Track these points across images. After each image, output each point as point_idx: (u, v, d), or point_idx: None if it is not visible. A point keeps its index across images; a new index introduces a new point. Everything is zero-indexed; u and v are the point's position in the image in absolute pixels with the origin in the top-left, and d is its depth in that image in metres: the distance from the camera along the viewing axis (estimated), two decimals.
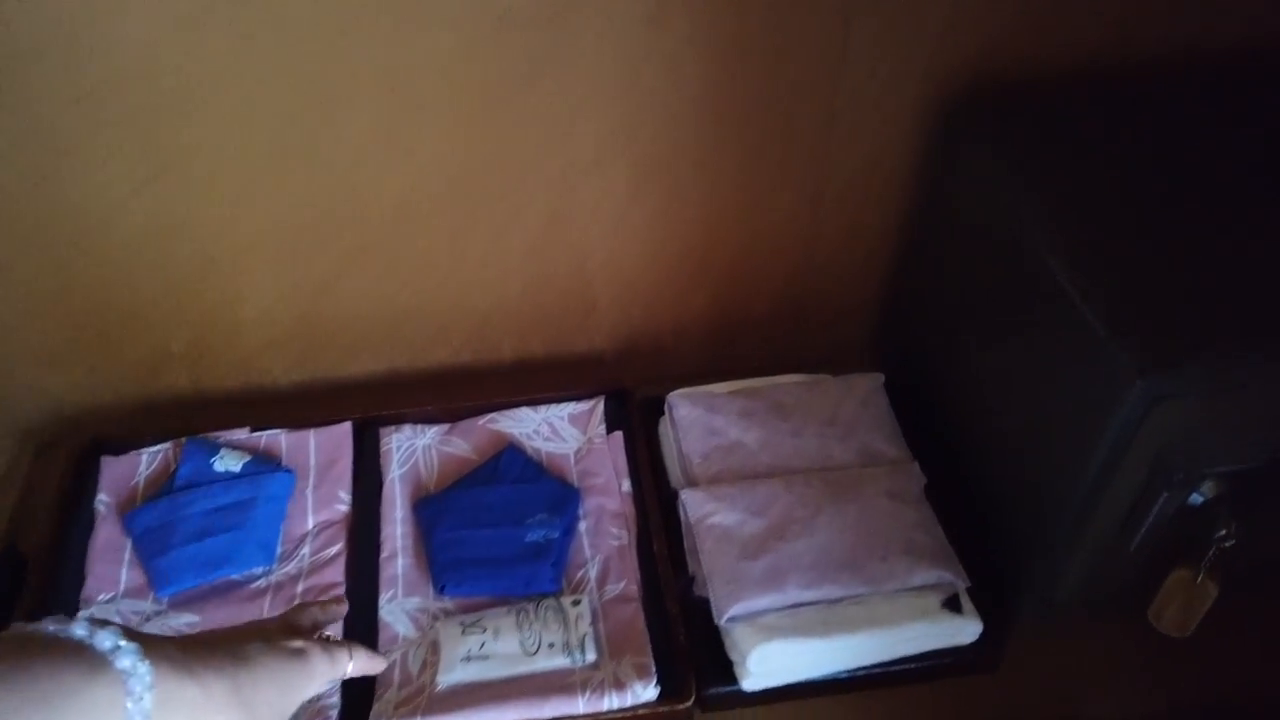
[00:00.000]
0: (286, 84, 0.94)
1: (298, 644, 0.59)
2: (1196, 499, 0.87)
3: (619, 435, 1.17)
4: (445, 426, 1.19)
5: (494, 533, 1.05)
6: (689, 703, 0.93)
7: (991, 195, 0.97)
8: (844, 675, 0.98)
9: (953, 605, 0.99)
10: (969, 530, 1.05)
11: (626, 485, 1.13)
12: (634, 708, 0.92)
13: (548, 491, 1.10)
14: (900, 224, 1.20)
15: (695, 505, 1.05)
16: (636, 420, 1.19)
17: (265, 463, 1.11)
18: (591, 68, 1.00)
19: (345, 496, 1.10)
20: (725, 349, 1.32)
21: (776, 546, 1.00)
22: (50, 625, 0.45)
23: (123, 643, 0.45)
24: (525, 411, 1.20)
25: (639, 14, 0.96)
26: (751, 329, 1.32)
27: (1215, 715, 1.02)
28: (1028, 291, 0.90)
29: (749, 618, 0.96)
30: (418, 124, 1.00)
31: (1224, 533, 0.87)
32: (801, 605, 0.98)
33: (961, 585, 1.00)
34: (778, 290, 1.28)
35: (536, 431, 1.19)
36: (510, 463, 1.13)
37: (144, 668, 0.45)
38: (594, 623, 0.98)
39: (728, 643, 0.97)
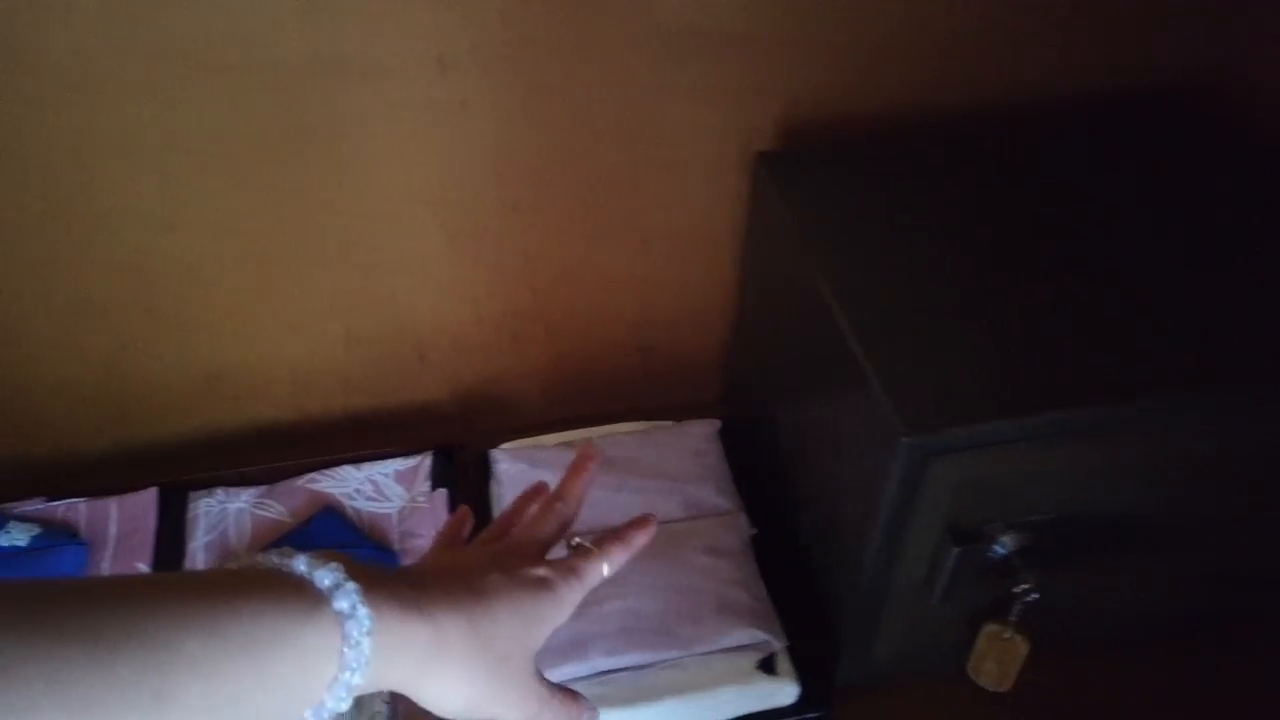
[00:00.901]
0: (66, 145, 0.89)
1: (541, 571, 0.50)
2: (998, 551, 0.84)
3: (443, 493, 1.12)
4: (262, 489, 1.13)
5: None
6: None
7: (791, 249, 0.95)
8: None
9: (768, 666, 0.96)
10: (793, 587, 1.02)
11: None
12: None
13: (362, 559, 1.04)
14: (737, 276, 1.17)
15: None
16: (462, 477, 1.14)
17: (58, 535, 1.05)
18: (385, 117, 0.96)
19: (143, 569, 1.04)
20: (571, 401, 1.28)
21: (583, 611, 0.93)
22: (274, 558, 0.40)
23: (345, 581, 0.40)
24: (348, 470, 1.15)
25: (430, 60, 0.93)
26: (597, 380, 1.28)
27: None
28: (824, 347, 0.87)
29: None
30: (204, 182, 0.96)
31: (1025, 586, 0.84)
32: (608, 673, 0.93)
33: (778, 645, 0.97)
34: (619, 340, 1.25)
35: (359, 491, 1.14)
36: (323, 526, 1.08)
37: (364, 611, 0.39)
38: (389, 701, 0.93)
39: None
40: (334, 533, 1.08)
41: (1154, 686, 1.01)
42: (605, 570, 0.54)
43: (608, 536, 0.55)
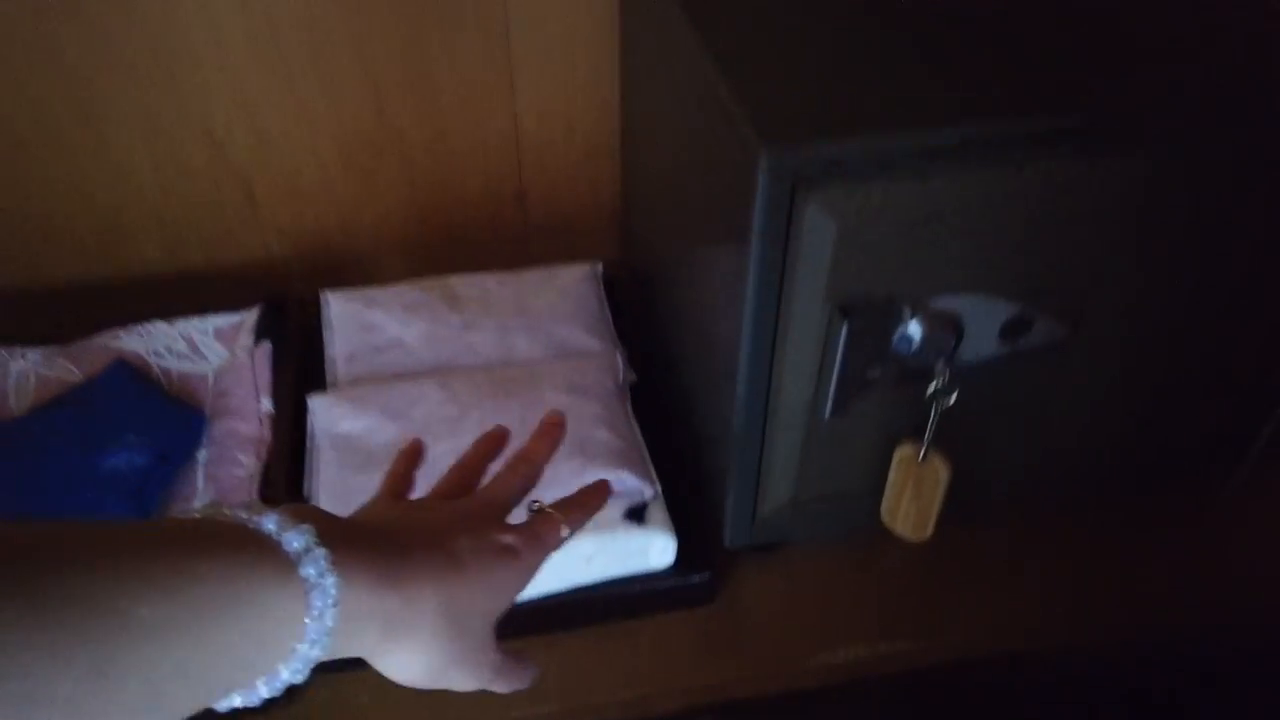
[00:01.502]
0: None
1: (509, 539, 0.47)
2: (901, 342, 0.66)
3: (266, 347, 0.94)
4: (54, 348, 0.94)
5: (59, 461, 0.81)
6: None
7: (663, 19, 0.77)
8: None
9: (637, 517, 0.78)
10: (674, 440, 0.84)
11: (267, 405, 0.90)
12: None
13: (146, 411, 0.86)
14: (619, 99, 1.00)
15: (322, 412, 0.82)
16: (295, 331, 0.96)
17: None
18: None
19: None
20: (439, 262, 1.09)
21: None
22: (242, 512, 0.36)
23: (315, 546, 0.36)
24: (159, 326, 0.97)
25: None
26: (468, 235, 1.10)
27: (965, 658, 0.81)
28: (693, 109, 0.70)
29: None
30: None
31: (939, 384, 0.67)
32: None
33: (649, 492, 0.79)
34: (490, 179, 1.07)
35: (170, 349, 0.96)
36: (112, 381, 0.89)
37: (331, 580, 0.36)
38: None
39: None
40: (124, 388, 0.89)
41: (1081, 550, 0.84)
42: (565, 534, 0.51)
43: (567, 501, 0.53)
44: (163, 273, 1.05)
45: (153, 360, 0.95)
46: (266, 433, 0.88)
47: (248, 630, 0.34)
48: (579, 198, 1.10)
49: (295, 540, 0.36)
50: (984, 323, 0.67)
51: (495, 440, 0.57)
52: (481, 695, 0.67)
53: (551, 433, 0.56)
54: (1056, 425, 0.78)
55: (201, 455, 0.87)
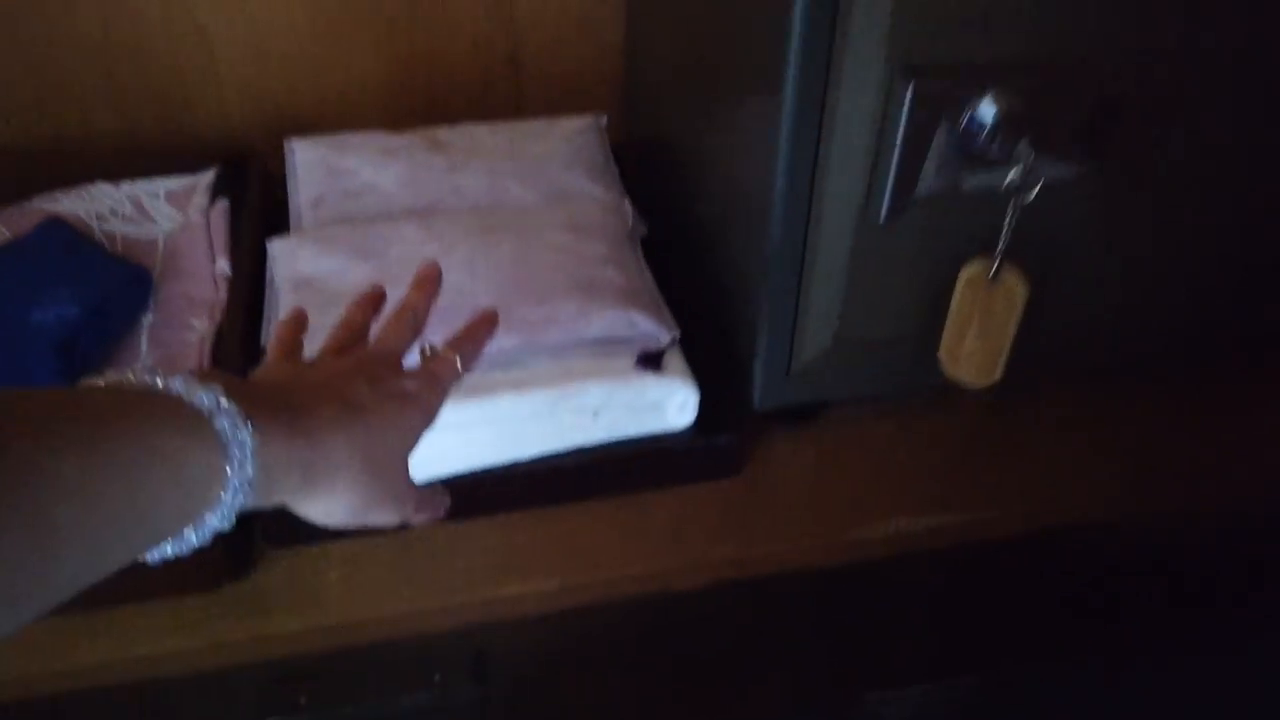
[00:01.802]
0: None
1: (406, 384, 0.49)
2: (975, 127, 0.55)
3: (223, 205, 0.83)
4: None
5: None
6: None
7: None
8: (496, 472, 0.65)
9: (652, 364, 0.66)
10: (697, 301, 0.73)
11: (223, 266, 0.78)
12: None
13: (81, 265, 0.75)
14: None
15: (283, 257, 0.71)
16: (258, 191, 0.84)
17: None
18: None
19: None
20: (418, 126, 0.98)
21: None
22: (148, 376, 0.37)
23: (225, 402, 0.37)
24: (102, 188, 0.85)
25: None
26: (451, 98, 0.98)
27: (1034, 526, 0.70)
28: None
29: None
30: None
31: (1018, 176, 0.55)
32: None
33: (665, 337, 0.67)
34: (480, 39, 0.95)
35: (115, 211, 0.84)
36: (44, 237, 0.78)
37: (245, 433, 0.37)
38: None
39: None
40: (56, 244, 0.77)
41: (1157, 418, 0.73)
42: (460, 368, 0.52)
43: (457, 338, 0.54)
44: (112, 137, 0.93)
45: (95, 225, 0.83)
46: (222, 295, 0.77)
47: (172, 482, 0.35)
48: (578, 58, 0.98)
49: (205, 398, 0.37)
50: (1066, 111, 0.56)
51: (375, 298, 0.56)
52: (470, 570, 0.57)
53: (426, 284, 0.55)
54: (1142, 264, 0.66)
55: (146, 319, 0.76)
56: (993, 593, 0.69)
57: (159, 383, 0.37)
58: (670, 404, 0.66)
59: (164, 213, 0.85)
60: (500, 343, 0.63)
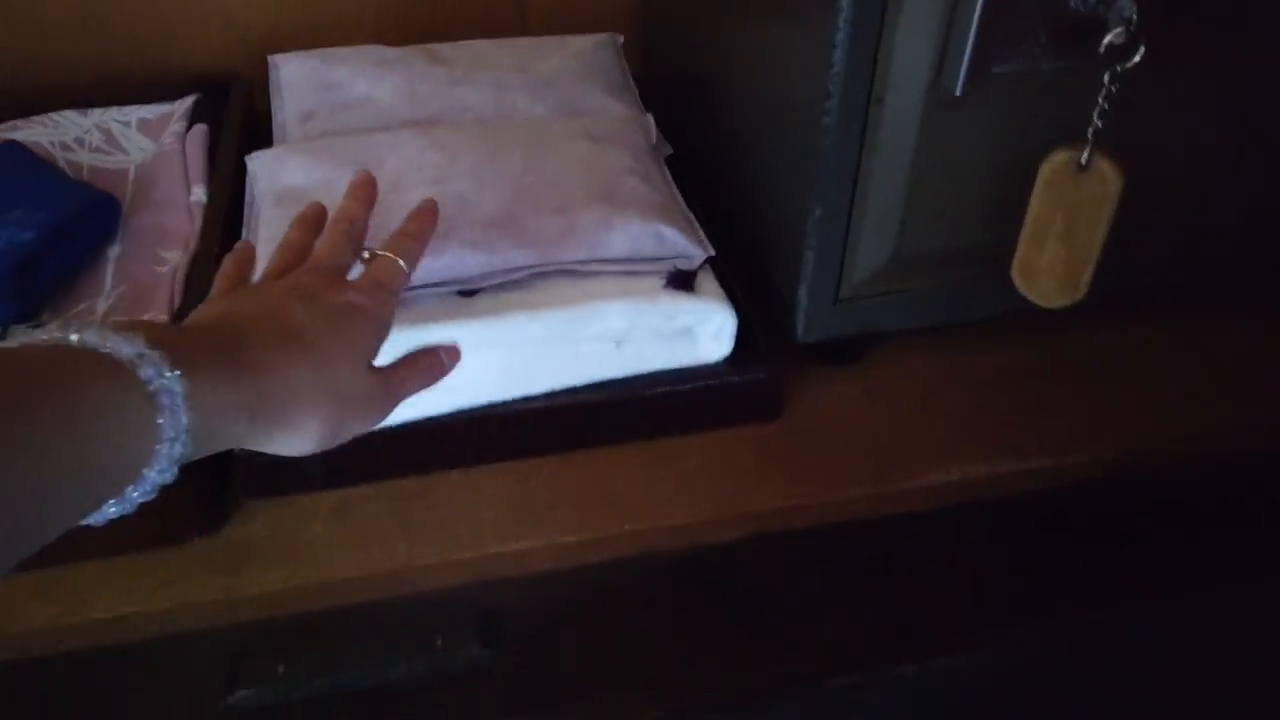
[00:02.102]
0: None
1: (349, 296, 0.46)
2: None
3: (200, 130, 0.75)
4: None
5: None
6: None
7: None
8: (504, 408, 0.56)
9: (682, 285, 0.58)
10: (729, 226, 0.65)
11: (199, 195, 0.70)
12: None
13: (36, 187, 0.67)
14: None
15: (264, 171, 0.62)
16: (239, 118, 0.76)
17: None
18: None
19: None
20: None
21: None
22: (56, 332, 0.34)
23: (146, 350, 0.35)
24: (69, 116, 0.77)
25: None
26: (452, 22, 0.90)
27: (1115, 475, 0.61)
28: None
29: None
30: None
31: (1117, 36, 0.47)
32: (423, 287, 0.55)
33: (697, 254, 0.59)
34: None
35: (81, 140, 0.76)
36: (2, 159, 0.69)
37: (172, 376, 0.35)
38: None
39: None
40: (11, 165, 0.69)
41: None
42: (403, 267, 0.49)
43: (395, 236, 0.50)
44: (84, 66, 0.85)
45: (59, 154, 0.75)
46: (198, 225, 0.69)
47: (99, 440, 0.33)
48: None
49: (124, 347, 0.35)
50: None
51: (316, 216, 0.52)
52: (475, 522, 0.55)
53: (362, 190, 0.52)
54: (1251, 160, 0.58)
55: (113, 251, 0.68)
56: (1072, 550, 0.60)
57: (73, 338, 0.34)
58: (704, 331, 0.58)
59: (136, 142, 0.77)
60: (509, 257, 0.55)
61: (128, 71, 0.87)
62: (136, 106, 0.79)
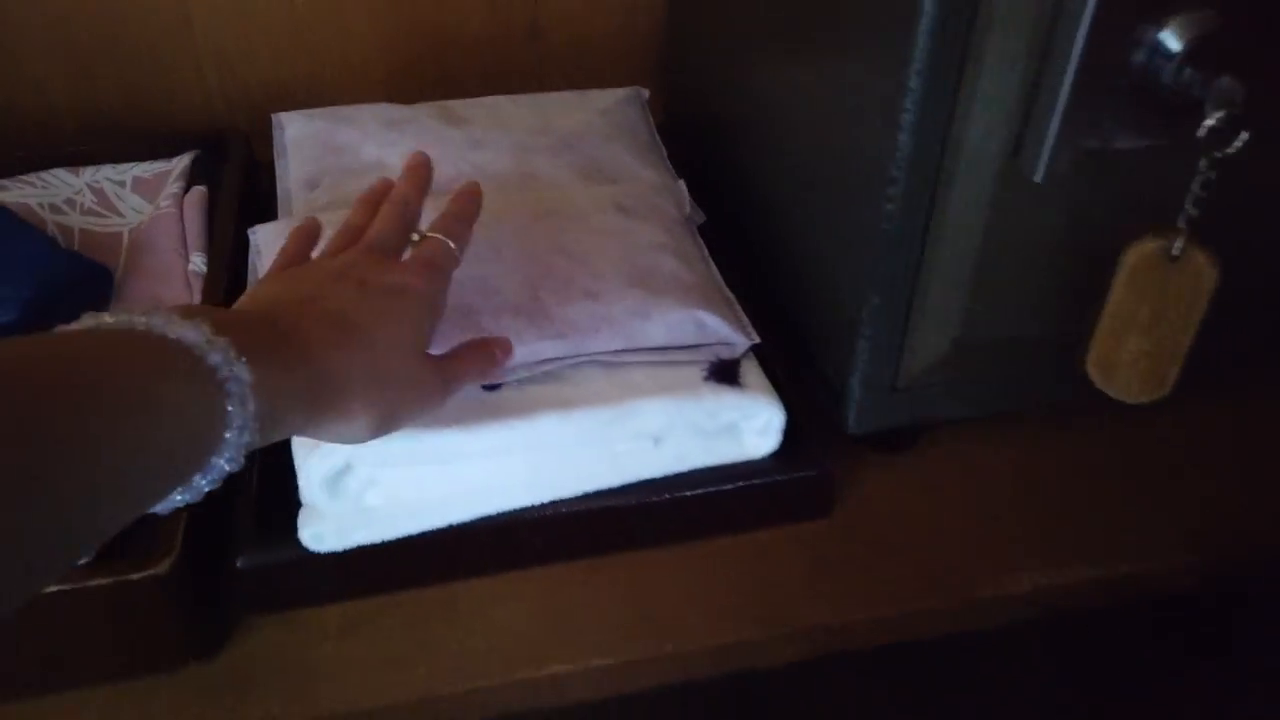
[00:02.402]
0: None
1: (396, 277, 0.44)
2: (1160, 52, 0.42)
3: (199, 194, 0.70)
4: None
5: None
6: (160, 568, 0.45)
7: None
8: (533, 513, 0.51)
9: (725, 377, 0.53)
10: (763, 293, 0.60)
11: (198, 264, 0.65)
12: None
13: (22, 259, 0.62)
14: None
15: (268, 244, 0.58)
16: (239, 177, 0.71)
17: None
18: None
19: None
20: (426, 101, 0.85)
21: None
22: (127, 316, 0.34)
23: (213, 336, 0.34)
24: (60, 175, 0.72)
25: None
26: (464, 78, 0.86)
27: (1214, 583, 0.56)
28: None
29: None
30: None
31: (1220, 119, 0.42)
32: None
33: (741, 344, 0.54)
34: (498, 12, 0.82)
35: (71, 201, 0.71)
36: None
37: (241, 366, 0.34)
38: None
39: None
40: None
41: None
42: (454, 249, 0.48)
43: (441, 220, 0.49)
44: (71, 116, 0.80)
45: (48, 217, 0.70)
46: (196, 297, 0.64)
47: (171, 427, 0.32)
48: (609, 27, 0.85)
49: (192, 333, 0.34)
50: None
51: (378, 196, 0.51)
52: (502, 643, 0.50)
53: (416, 173, 0.51)
54: None
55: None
56: (1163, 669, 0.55)
57: (141, 322, 0.34)
58: (749, 426, 0.53)
59: (130, 203, 0.72)
60: (537, 349, 0.50)
61: (120, 124, 0.82)
62: (131, 165, 0.74)
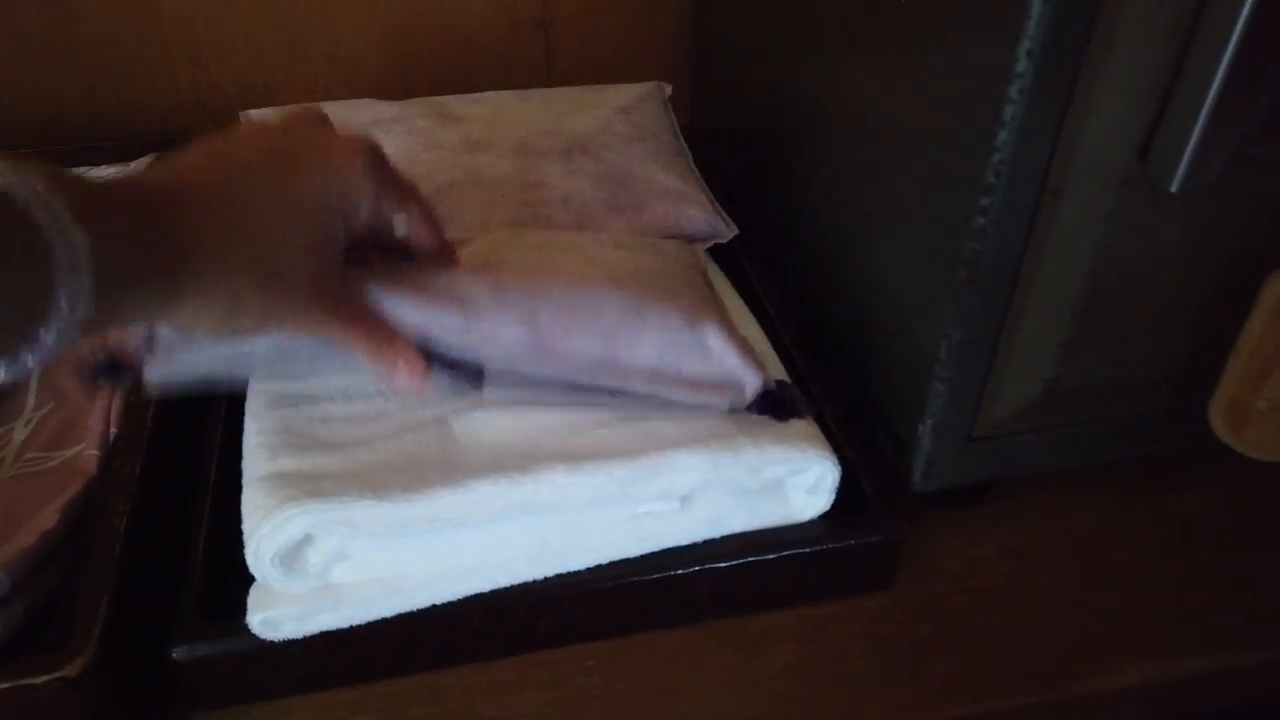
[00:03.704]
0: None
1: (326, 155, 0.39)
2: None
3: None
4: None
5: None
6: (69, 669, 0.36)
7: None
8: (539, 589, 0.42)
9: (773, 409, 0.44)
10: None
11: None
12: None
13: None
14: None
15: None
16: None
17: None
18: None
19: None
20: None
21: None
22: None
23: (44, 193, 0.29)
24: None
25: None
26: (466, 77, 0.77)
27: None
28: None
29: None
30: None
31: None
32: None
33: (787, 388, 0.45)
34: (500, 12, 0.75)
35: None
36: None
37: (76, 230, 0.30)
38: None
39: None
40: None
41: None
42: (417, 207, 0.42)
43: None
44: (32, 117, 0.72)
45: None
46: None
47: None
48: (625, 23, 0.77)
49: (19, 185, 0.29)
50: None
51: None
52: None
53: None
54: None
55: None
56: None
57: None
58: (797, 484, 0.44)
59: None
60: (546, 394, 0.41)
61: (82, 128, 0.73)
62: (95, 168, 0.65)
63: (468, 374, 0.41)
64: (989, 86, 0.35)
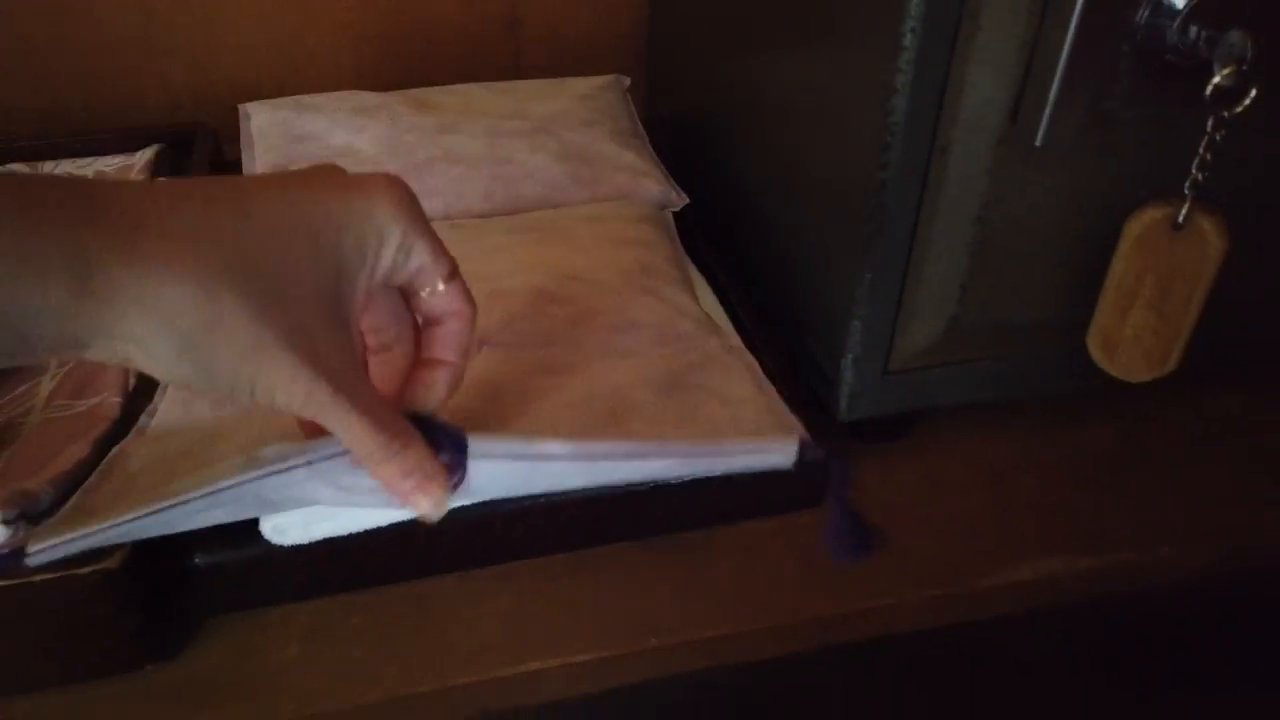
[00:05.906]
0: None
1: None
2: (1165, 17, 0.40)
3: None
4: None
5: None
6: (110, 562, 0.42)
7: None
8: (508, 506, 0.48)
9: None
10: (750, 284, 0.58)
11: None
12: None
13: None
14: None
15: None
16: (205, 170, 0.69)
17: None
18: None
19: None
20: None
21: None
22: None
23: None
24: (15, 170, 0.69)
25: None
26: (439, 74, 0.83)
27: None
28: None
29: None
30: None
31: (1226, 79, 0.40)
32: None
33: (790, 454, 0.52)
34: (472, 12, 0.81)
35: None
36: None
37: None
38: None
39: None
40: None
41: None
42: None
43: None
44: (28, 116, 0.78)
45: None
46: None
47: None
48: (590, 20, 0.83)
49: None
50: None
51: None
52: (476, 641, 0.46)
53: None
54: None
55: None
56: (1170, 659, 0.52)
57: None
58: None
59: None
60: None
61: (78, 123, 0.79)
62: (92, 159, 0.71)
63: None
64: (881, 61, 0.42)
